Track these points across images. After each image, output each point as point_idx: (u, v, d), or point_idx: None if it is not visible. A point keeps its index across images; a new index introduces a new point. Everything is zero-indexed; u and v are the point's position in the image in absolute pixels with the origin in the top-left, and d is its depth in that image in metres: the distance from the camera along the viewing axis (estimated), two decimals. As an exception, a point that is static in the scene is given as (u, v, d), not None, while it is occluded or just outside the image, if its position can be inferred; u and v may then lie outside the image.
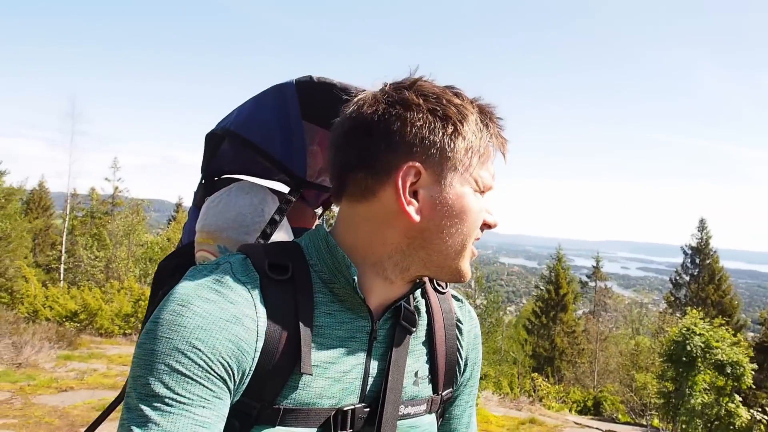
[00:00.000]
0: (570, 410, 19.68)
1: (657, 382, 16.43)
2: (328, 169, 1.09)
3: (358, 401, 1.04)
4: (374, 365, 1.07)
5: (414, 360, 1.14)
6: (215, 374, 0.88)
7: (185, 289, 0.93)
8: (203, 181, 1.48)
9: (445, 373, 1.20)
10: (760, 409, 14.00)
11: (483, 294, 41.77)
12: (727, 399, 13.72)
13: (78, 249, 32.66)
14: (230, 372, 0.89)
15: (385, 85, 1.03)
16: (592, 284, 41.73)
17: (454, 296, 1.29)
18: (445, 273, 1.06)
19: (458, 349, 1.24)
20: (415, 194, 1.00)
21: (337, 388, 1.01)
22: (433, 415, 1.19)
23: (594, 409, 23.14)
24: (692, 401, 13.84)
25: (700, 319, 15.15)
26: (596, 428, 12.03)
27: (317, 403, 0.98)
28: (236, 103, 1.41)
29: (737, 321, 32.39)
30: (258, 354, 0.92)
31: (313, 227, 1.13)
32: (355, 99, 1.04)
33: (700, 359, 13.99)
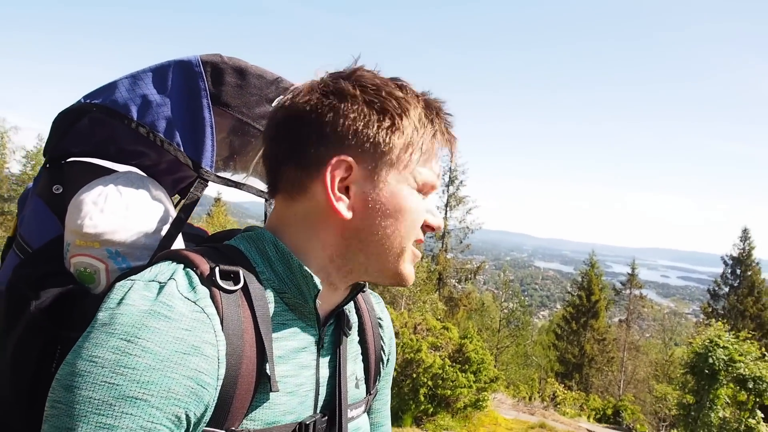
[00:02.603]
0: (587, 418, 19.41)
1: (678, 393, 16.13)
2: (264, 162, 1.02)
3: (312, 412, 0.99)
4: (323, 374, 1.03)
5: (351, 362, 1.11)
6: (171, 422, 0.77)
7: (126, 317, 0.78)
8: (48, 165, 1.27)
9: (374, 371, 1.19)
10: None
11: (513, 297, 41.37)
12: (748, 414, 13.41)
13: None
14: (188, 415, 0.79)
15: (325, 74, 0.97)
16: (627, 292, 40.85)
17: (370, 293, 1.26)
18: (386, 277, 1.00)
19: (382, 346, 1.23)
20: (347, 190, 0.95)
21: (296, 402, 0.96)
22: (366, 414, 1.17)
23: (613, 417, 22.79)
24: (712, 415, 13.57)
25: (726, 331, 14.80)
26: (608, 437, 11.88)
27: (280, 421, 0.93)
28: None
29: (777, 335, 31.40)
30: (221, 382, 0.83)
31: (251, 229, 1.04)
32: (292, 88, 0.98)
33: (722, 372, 13.69)
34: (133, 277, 0.87)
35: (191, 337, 0.80)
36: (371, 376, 1.17)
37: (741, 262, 35.58)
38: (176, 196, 1.47)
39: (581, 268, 41.80)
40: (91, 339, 0.78)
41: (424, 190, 0.99)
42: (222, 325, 0.84)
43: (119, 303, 0.81)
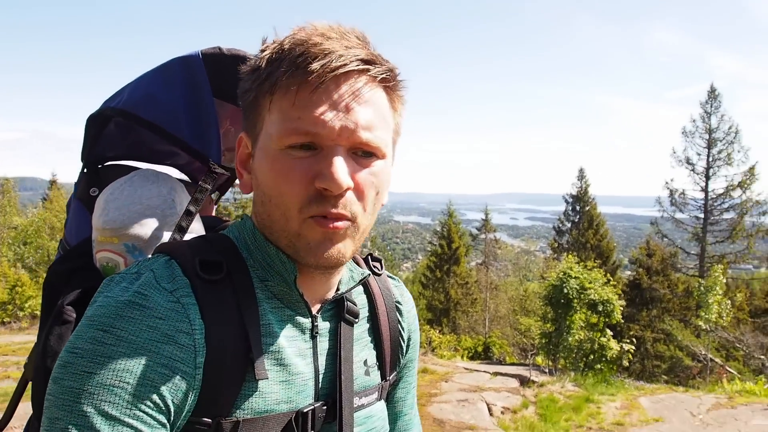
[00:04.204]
0: (462, 357, 20.66)
1: (539, 324, 17.55)
2: None
3: (313, 401, 0.98)
4: (322, 361, 1.01)
5: (361, 348, 1.09)
6: (150, 408, 0.78)
7: (103, 309, 0.81)
8: (85, 170, 1.33)
9: (391, 357, 1.16)
10: (628, 341, 15.36)
11: (379, 253, 42.41)
12: (600, 334, 14.90)
13: (-59, 235, 29.98)
14: (167, 402, 0.79)
15: None
16: (483, 236, 43.26)
17: (389, 276, 1.23)
18: (308, 259, 0.90)
19: (400, 331, 1.19)
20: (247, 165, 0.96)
21: (292, 392, 0.95)
22: (383, 401, 1.15)
23: (484, 354, 24.50)
24: (569, 339, 14.94)
25: (575, 263, 16.25)
26: (484, 371, 12.73)
27: (275, 410, 0.91)
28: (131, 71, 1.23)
29: (614, 262, 34.94)
30: (200, 371, 0.83)
31: (240, 218, 1.02)
32: None
33: (575, 300, 15.01)
34: (119, 271, 0.90)
35: (164, 326, 0.81)
36: (386, 363, 1.14)
37: (580, 200, 38.74)
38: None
39: (439, 218, 43.38)
40: (76, 332, 0.80)
41: (304, 143, 0.85)
42: (202, 316, 0.84)
43: (102, 296, 0.84)
